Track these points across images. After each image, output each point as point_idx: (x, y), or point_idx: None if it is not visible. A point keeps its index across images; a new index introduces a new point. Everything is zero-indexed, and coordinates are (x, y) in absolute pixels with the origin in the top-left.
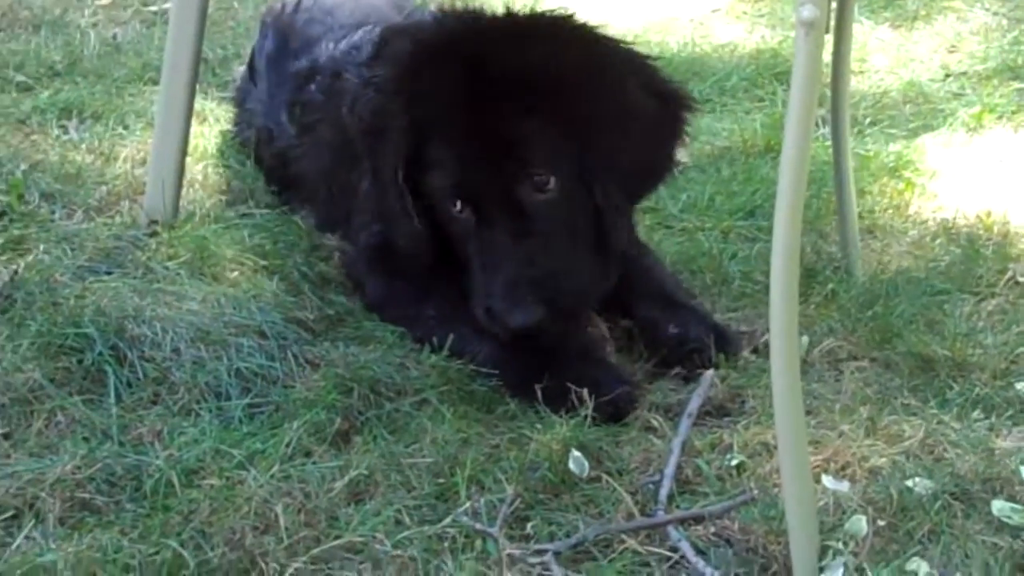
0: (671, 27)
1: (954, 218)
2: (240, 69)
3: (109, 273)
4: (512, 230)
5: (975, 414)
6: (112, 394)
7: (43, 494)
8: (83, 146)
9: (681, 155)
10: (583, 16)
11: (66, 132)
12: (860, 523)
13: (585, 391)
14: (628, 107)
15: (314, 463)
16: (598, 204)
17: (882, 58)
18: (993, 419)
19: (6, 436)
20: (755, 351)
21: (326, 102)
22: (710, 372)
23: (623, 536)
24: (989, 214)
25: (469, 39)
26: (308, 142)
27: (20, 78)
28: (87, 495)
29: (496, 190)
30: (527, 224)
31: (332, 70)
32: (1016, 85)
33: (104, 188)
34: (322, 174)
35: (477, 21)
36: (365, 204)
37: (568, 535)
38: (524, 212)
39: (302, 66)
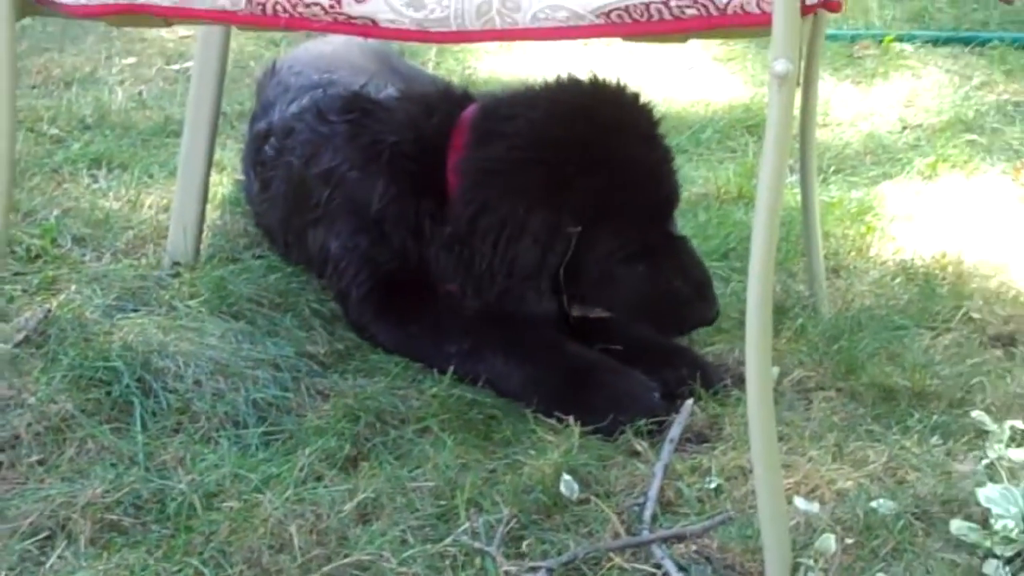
0: (648, 84)
1: (912, 259)
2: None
3: (135, 311)
4: (685, 249)
5: (934, 440)
6: (138, 423)
7: (75, 516)
8: (111, 194)
9: None
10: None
11: (96, 181)
12: (829, 541)
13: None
14: None
15: (325, 487)
16: None
17: (844, 112)
18: (951, 444)
19: (40, 462)
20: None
21: (277, 158)
22: (690, 401)
23: (611, 554)
24: (944, 255)
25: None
26: (267, 198)
27: (53, 131)
28: (115, 517)
29: (662, 233)
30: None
31: (283, 129)
32: (967, 137)
33: (131, 232)
34: (279, 224)
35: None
36: (351, 253)
37: (560, 553)
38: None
39: (261, 127)
